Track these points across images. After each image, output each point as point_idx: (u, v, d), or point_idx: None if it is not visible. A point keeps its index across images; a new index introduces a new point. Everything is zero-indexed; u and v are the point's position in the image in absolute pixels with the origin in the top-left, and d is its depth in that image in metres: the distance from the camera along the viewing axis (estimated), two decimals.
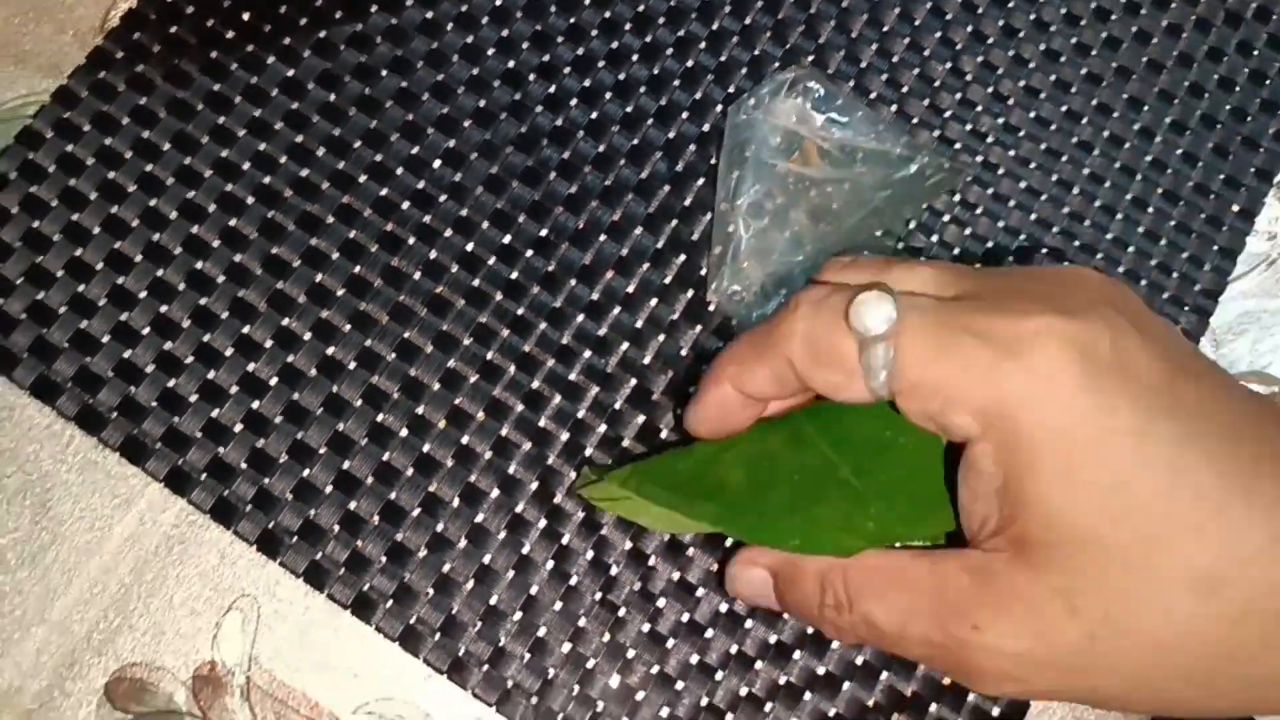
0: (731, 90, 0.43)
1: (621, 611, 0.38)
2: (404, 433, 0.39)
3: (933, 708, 0.37)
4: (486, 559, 0.38)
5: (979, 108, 0.44)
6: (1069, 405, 0.27)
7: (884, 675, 0.38)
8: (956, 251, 0.42)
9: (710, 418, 0.33)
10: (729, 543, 0.38)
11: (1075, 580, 0.27)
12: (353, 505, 0.38)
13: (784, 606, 0.33)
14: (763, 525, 0.32)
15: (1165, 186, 0.43)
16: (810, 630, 0.38)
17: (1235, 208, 0.44)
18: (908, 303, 0.29)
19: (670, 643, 0.38)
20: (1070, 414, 0.27)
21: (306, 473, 0.38)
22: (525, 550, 0.38)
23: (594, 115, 0.42)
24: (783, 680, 0.38)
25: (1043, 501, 0.27)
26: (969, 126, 0.43)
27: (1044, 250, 0.42)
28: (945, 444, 0.31)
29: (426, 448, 0.39)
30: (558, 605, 0.38)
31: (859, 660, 0.38)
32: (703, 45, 0.44)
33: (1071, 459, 0.27)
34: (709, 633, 0.38)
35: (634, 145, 0.42)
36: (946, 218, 0.42)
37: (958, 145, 0.43)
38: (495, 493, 0.38)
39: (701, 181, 0.42)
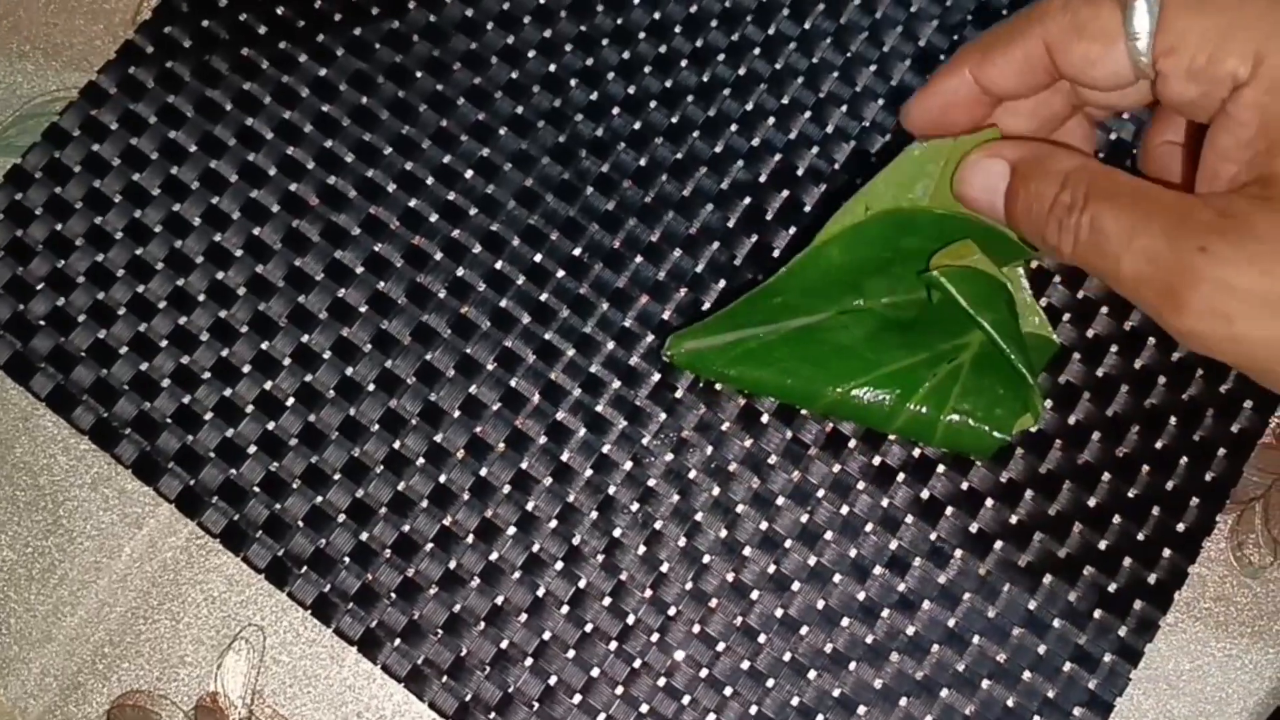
0: (785, 101, 0.39)
1: (637, 664, 0.35)
2: (421, 461, 0.36)
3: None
4: (500, 599, 0.35)
5: None
6: None
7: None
8: None
9: (932, 108, 0.31)
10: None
11: None
12: (365, 536, 0.35)
13: (1011, 204, 0.30)
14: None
15: None
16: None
17: None
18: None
19: (686, 699, 0.34)
20: None
21: (319, 499, 0.36)
22: (540, 592, 0.35)
23: (637, 125, 0.39)
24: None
25: None
26: None
27: None
28: None
29: (443, 478, 0.36)
30: (571, 653, 0.35)
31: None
32: (757, 51, 0.39)
33: None
34: (727, 690, 0.35)
35: (677, 159, 0.38)
36: None
37: None
38: (512, 529, 0.35)
39: (748, 200, 0.38)
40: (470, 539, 0.35)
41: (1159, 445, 0.36)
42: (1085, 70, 0.28)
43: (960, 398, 0.33)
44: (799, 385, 0.34)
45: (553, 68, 0.39)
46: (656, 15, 0.39)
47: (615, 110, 0.39)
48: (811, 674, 0.34)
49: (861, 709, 0.34)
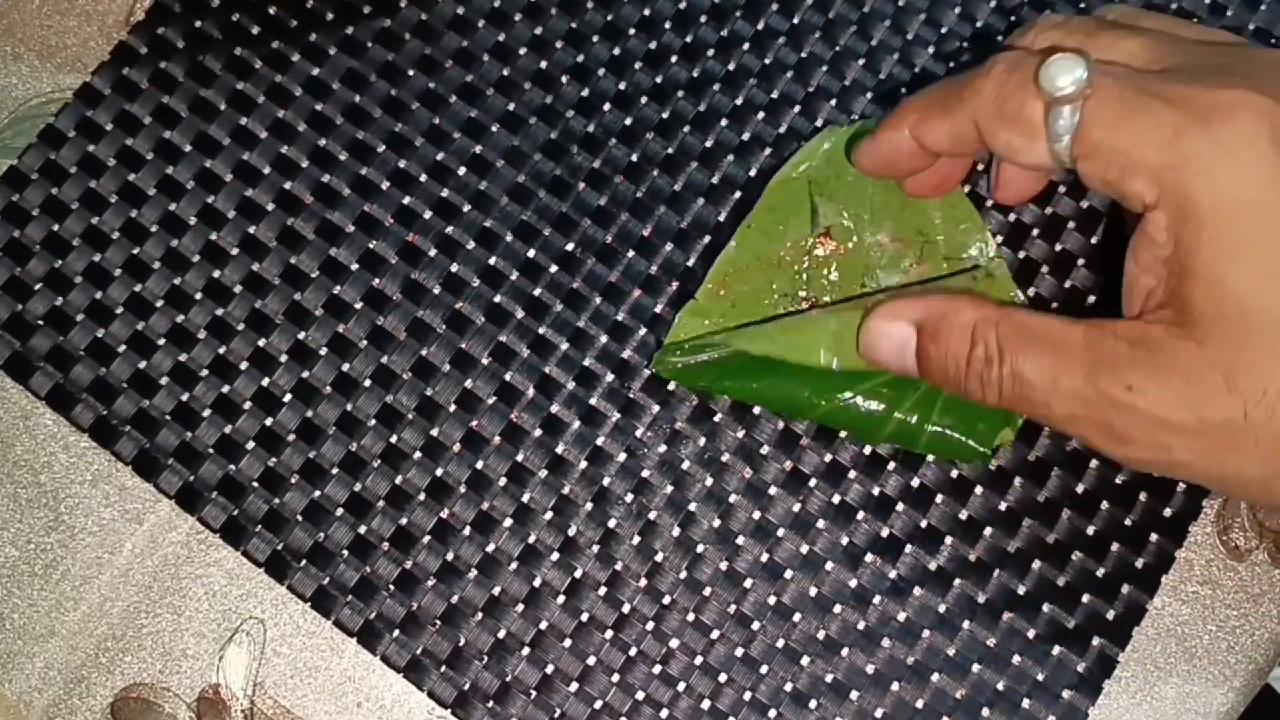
0: (775, 96, 0.39)
1: (632, 652, 0.35)
2: (418, 454, 0.36)
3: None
4: (497, 589, 0.35)
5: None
6: (1252, 177, 0.25)
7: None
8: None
9: (879, 156, 0.33)
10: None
11: (1237, 355, 0.26)
12: (363, 529, 0.36)
13: (924, 364, 0.31)
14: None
15: None
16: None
17: None
18: (1102, 68, 0.28)
19: (681, 685, 0.35)
20: (1253, 186, 0.25)
21: (318, 493, 0.36)
22: (536, 583, 0.35)
23: (628, 120, 0.39)
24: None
25: (1212, 272, 0.26)
26: None
27: None
28: None
29: (440, 471, 0.36)
30: (568, 642, 0.35)
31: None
32: (746, 46, 0.39)
33: (1247, 231, 0.25)
34: (721, 677, 0.35)
35: (668, 154, 0.38)
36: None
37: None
38: (509, 521, 0.36)
39: (738, 195, 0.38)
40: (467, 531, 0.35)
41: None
42: (1010, 154, 0.29)
43: (943, 412, 0.33)
44: (790, 397, 0.34)
45: (543, 64, 0.39)
46: (646, 11, 0.39)
47: (606, 106, 0.39)
48: (805, 660, 0.35)
49: (854, 694, 0.35)
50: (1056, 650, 0.35)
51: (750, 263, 0.36)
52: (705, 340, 0.35)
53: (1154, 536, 0.36)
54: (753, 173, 0.38)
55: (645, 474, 0.36)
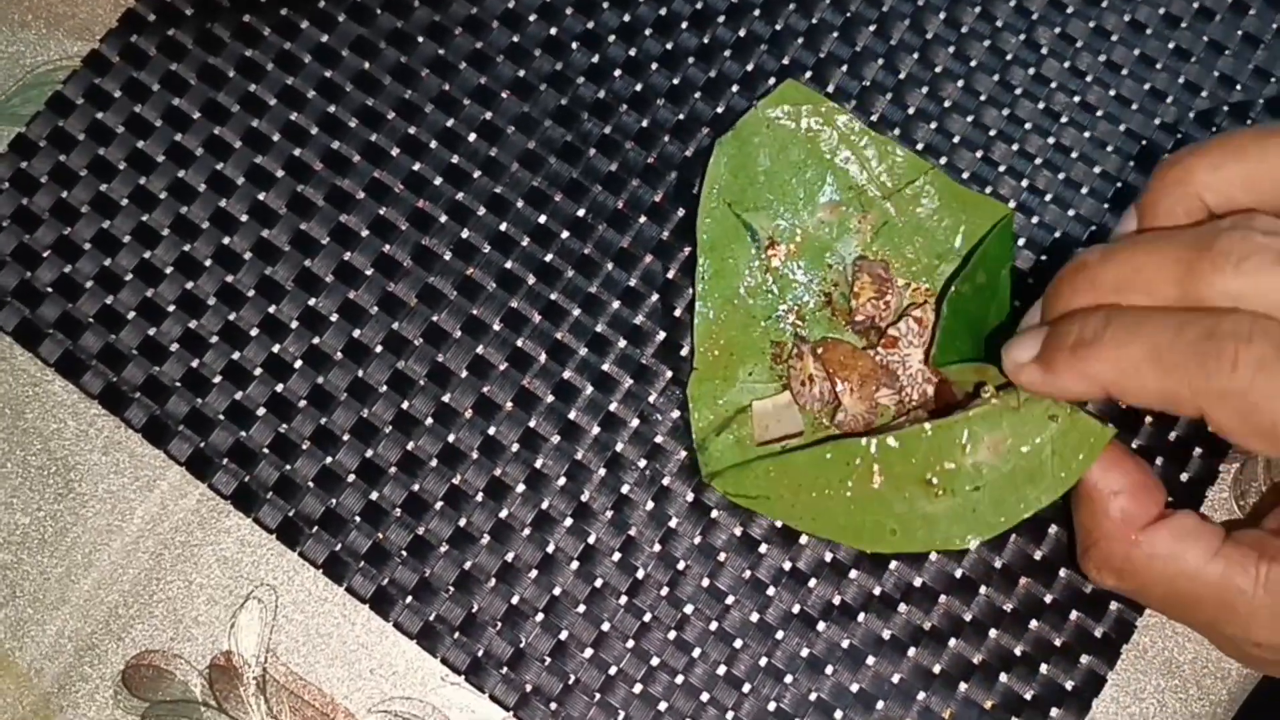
0: (786, 62, 0.38)
1: (647, 617, 0.34)
2: (429, 421, 0.36)
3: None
4: (510, 556, 0.35)
5: (992, 131, 0.38)
6: None
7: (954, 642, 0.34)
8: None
9: (1033, 382, 0.30)
10: (802, 539, 0.35)
11: None
12: (375, 495, 0.35)
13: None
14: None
15: None
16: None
17: None
18: None
19: (696, 651, 0.34)
20: None
21: (329, 460, 0.35)
22: (550, 549, 0.35)
23: (638, 87, 0.38)
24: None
25: None
26: (980, 154, 0.38)
27: None
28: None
29: (452, 437, 0.35)
30: (582, 608, 0.34)
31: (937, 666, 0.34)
32: (757, 12, 0.39)
33: None
34: (736, 643, 0.34)
35: (680, 119, 0.38)
36: None
37: (965, 174, 0.38)
38: (521, 487, 0.35)
39: None
40: (480, 497, 0.35)
41: None
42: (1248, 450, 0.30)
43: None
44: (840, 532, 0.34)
45: (554, 31, 0.38)
46: None
47: (617, 73, 0.38)
48: (821, 625, 0.34)
49: (870, 659, 0.34)
50: (1074, 615, 0.34)
51: (724, 308, 0.35)
52: (759, 480, 0.34)
53: (1171, 499, 0.35)
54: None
55: (659, 439, 0.35)
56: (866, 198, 0.36)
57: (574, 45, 0.38)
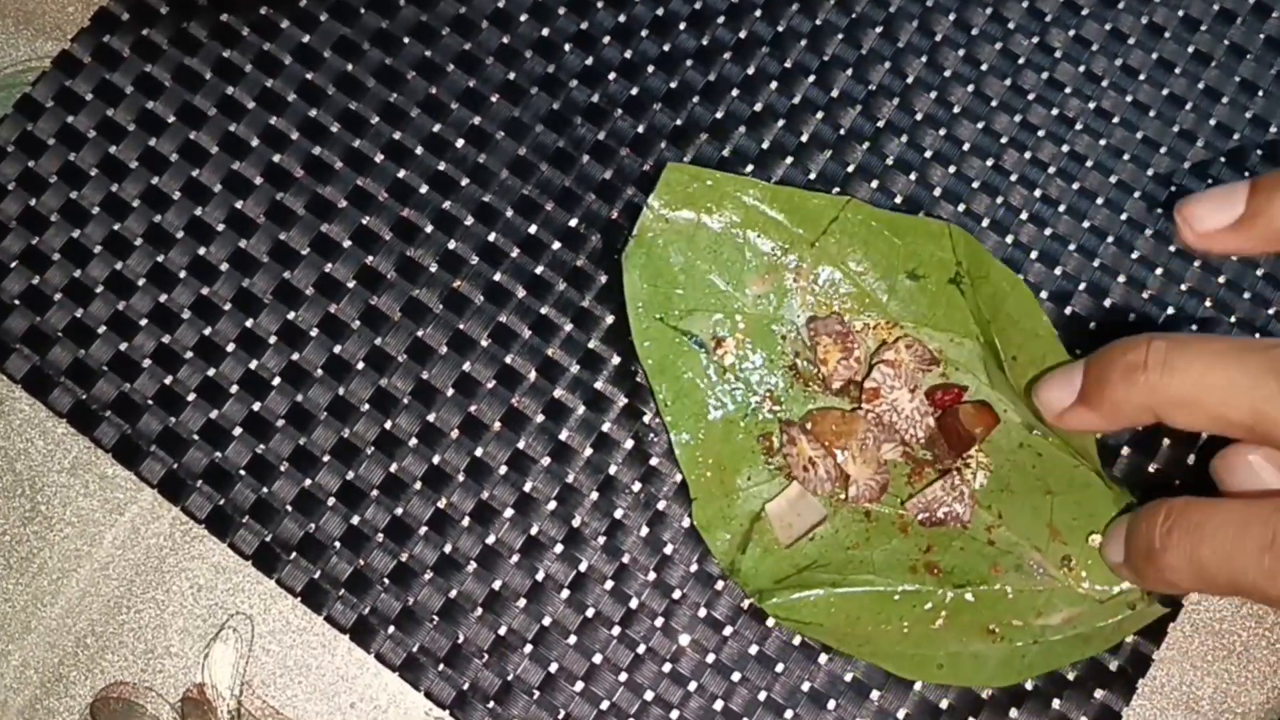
0: (788, 65, 0.36)
1: (640, 649, 0.33)
2: (414, 441, 0.34)
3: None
4: (497, 584, 0.33)
5: (1013, 176, 0.36)
6: None
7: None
8: None
9: (1124, 576, 0.31)
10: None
11: None
12: (356, 520, 0.33)
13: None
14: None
15: None
16: None
17: None
18: None
19: (692, 685, 0.32)
20: None
21: (308, 482, 0.33)
22: (539, 576, 0.33)
23: (634, 91, 0.36)
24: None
25: None
26: (1000, 200, 0.36)
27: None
28: None
29: (437, 459, 0.34)
30: (573, 639, 0.33)
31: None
32: (758, 14, 0.37)
33: None
34: (735, 675, 0.32)
35: (677, 125, 0.36)
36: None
37: (984, 222, 0.36)
38: (510, 511, 0.33)
39: (750, 168, 0.35)
40: (466, 521, 0.33)
41: None
42: None
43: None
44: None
45: (546, 31, 0.36)
46: None
47: (611, 75, 0.36)
48: (822, 659, 0.32)
49: (875, 693, 0.32)
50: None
51: (698, 427, 0.33)
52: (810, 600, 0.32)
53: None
54: (765, 145, 0.36)
55: (654, 461, 0.33)
56: (794, 253, 0.33)
57: (566, 47, 0.36)
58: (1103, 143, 0.36)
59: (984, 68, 0.36)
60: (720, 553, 0.32)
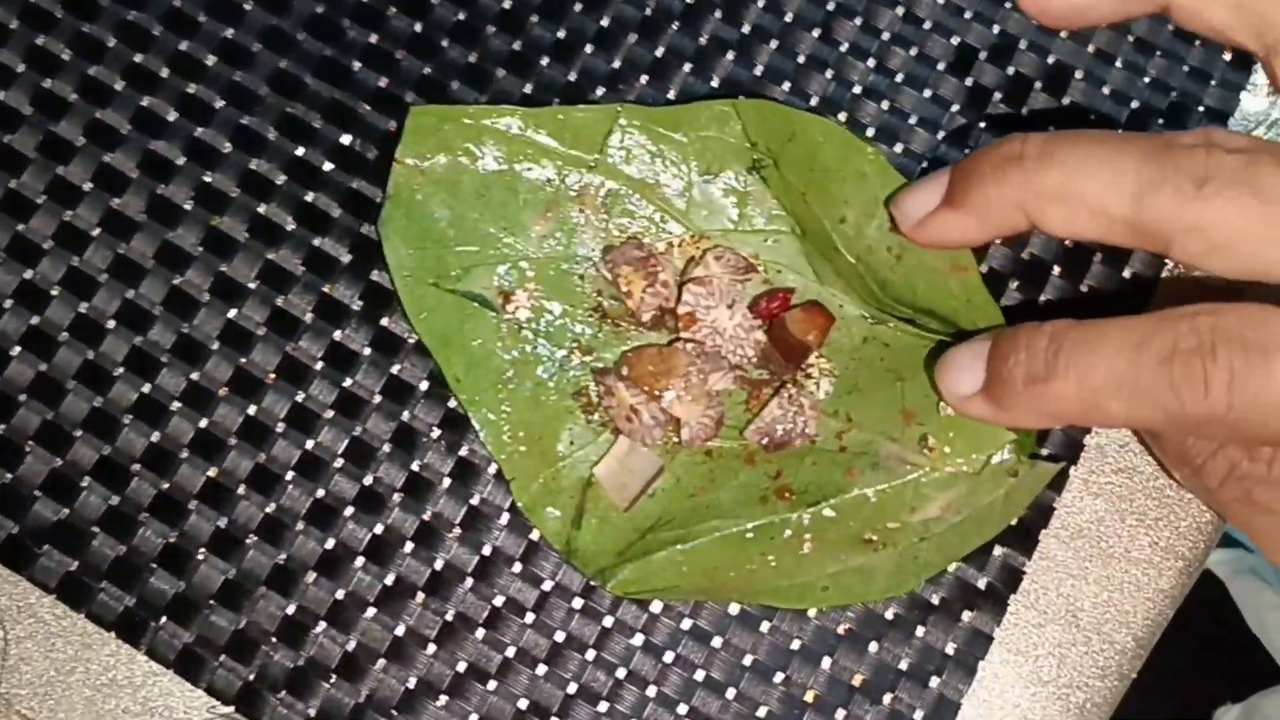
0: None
1: (450, 615, 0.29)
2: (177, 405, 0.29)
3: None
4: (283, 557, 0.29)
5: (843, 47, 0.32)
6: None
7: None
8: None
9: (984, 416, 0.26)
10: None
11: None
12: (116, 500, 0.29)
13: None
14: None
15: (1139, 34, 0.32)
16: None
17: (1226, 57, 0.32)
18: None
19: (510, 650, 0.28)
20: None
21: (59, 461, 0.29)
22: (330, 545, 0.29)
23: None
24: None
25: None
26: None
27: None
28: None
29: (205, 422, 0.29)
30: (372, 611, 0.28)
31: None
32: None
33: None
34: (559, 635, 0.29)
35: (459, 20, 0.31)
36: None
37: (814, 100, 0.32)
38: (291, 474, 0.29)
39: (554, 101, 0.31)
40: (243, 489, 0.29)
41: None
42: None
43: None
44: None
45: None
46: None
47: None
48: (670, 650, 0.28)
49: (717, 640, 0.28)
50: (953, 567, 0.29)
51: (499, 399, 0.29)
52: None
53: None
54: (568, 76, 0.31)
55: (451, 403, 0.29)
56: (573, 178, 0.29)
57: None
58: (941, 1, 0.32)
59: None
60: (553, 534, 0.28)
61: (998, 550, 0.29)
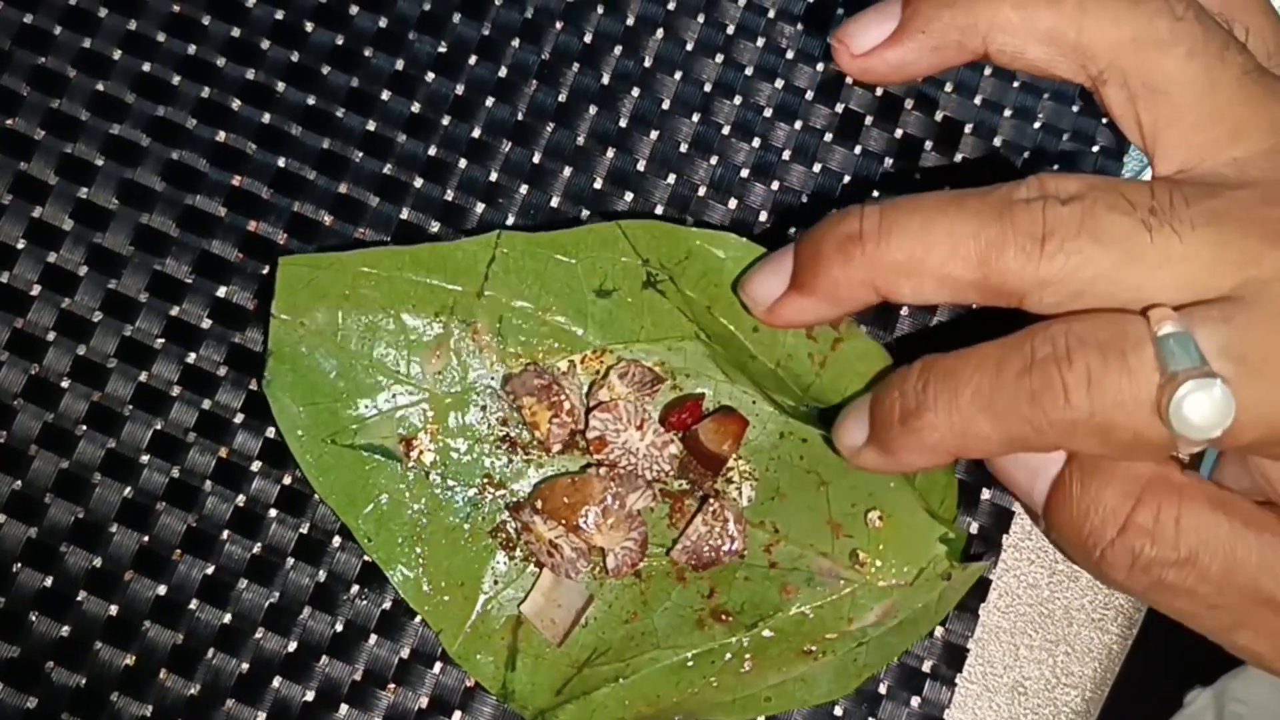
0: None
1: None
2: (81, 593, 0.28)
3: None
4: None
5: (725, 129, 0.30)
6: None
7: None
8: None
9: (876, 466, 0.26)
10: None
11: None
12: None
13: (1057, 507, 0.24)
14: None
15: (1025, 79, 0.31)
16: None
17: None
18: (1225, 343, 0.21)
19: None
20: None
21: None
22: (261, 718, 0.28)
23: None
24: None
25: None
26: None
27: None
28: None
29: (115, 609, 0.28)
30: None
31: None
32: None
33: None
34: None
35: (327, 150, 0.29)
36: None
37: (701, 190, 0.30)
38: (210, 650, 0.28)
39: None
40: (163, 674, 0.27)
41: None
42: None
43: None
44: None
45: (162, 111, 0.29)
46: None
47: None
48: None
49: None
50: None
51: (414, 552, 0.27)
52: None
53: None
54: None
55: (368, 557, 0.28)
56: (461, 313, 0.28)
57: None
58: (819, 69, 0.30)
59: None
60: (488, 679, 0.27)
61: (939, 631, 0.29)
